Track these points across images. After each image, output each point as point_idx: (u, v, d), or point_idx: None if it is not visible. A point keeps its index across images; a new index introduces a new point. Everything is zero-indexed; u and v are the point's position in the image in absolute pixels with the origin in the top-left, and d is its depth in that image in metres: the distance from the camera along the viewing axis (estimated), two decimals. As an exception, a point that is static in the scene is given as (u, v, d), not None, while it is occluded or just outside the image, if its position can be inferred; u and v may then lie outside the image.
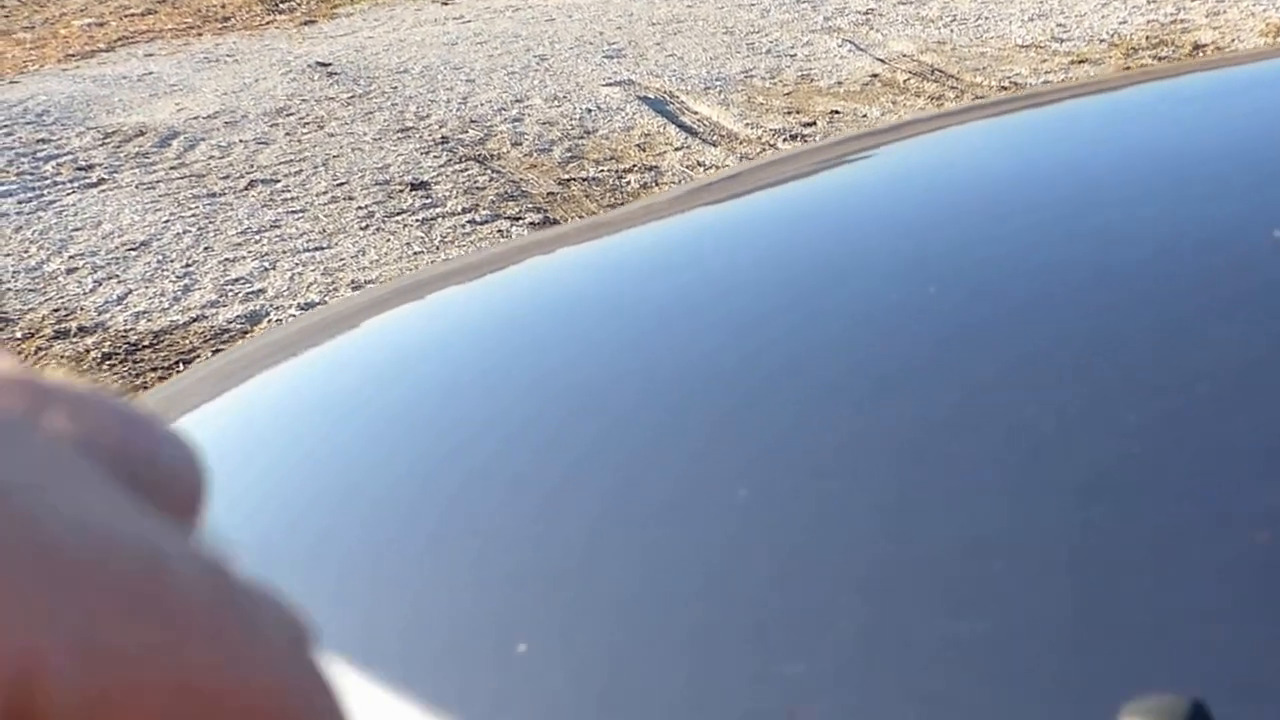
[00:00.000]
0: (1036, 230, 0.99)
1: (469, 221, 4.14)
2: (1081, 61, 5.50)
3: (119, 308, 3.64)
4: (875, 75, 5.61)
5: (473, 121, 5.21)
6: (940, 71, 5.60)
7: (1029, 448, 0.70)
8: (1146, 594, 0.56)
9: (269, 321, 3.52)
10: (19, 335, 3.50)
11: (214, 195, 4.48)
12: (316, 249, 3.98)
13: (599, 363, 0.91)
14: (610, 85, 5.64)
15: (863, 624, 0.58)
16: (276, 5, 7.37)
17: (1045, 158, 1.22)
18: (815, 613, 0.60)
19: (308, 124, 5.26)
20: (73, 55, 6.62)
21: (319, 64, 6.19)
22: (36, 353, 3.41)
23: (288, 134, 5.14)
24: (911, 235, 1.04)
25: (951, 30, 6.10)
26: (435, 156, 4.78)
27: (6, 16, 7.30)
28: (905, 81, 5.49)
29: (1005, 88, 5.23)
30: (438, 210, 4.25)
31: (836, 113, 5.11)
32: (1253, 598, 0.54)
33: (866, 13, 6.38)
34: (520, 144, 4.91)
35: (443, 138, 5.00)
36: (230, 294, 3.69)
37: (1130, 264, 0.90)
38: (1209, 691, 0.47)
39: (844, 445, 0.74)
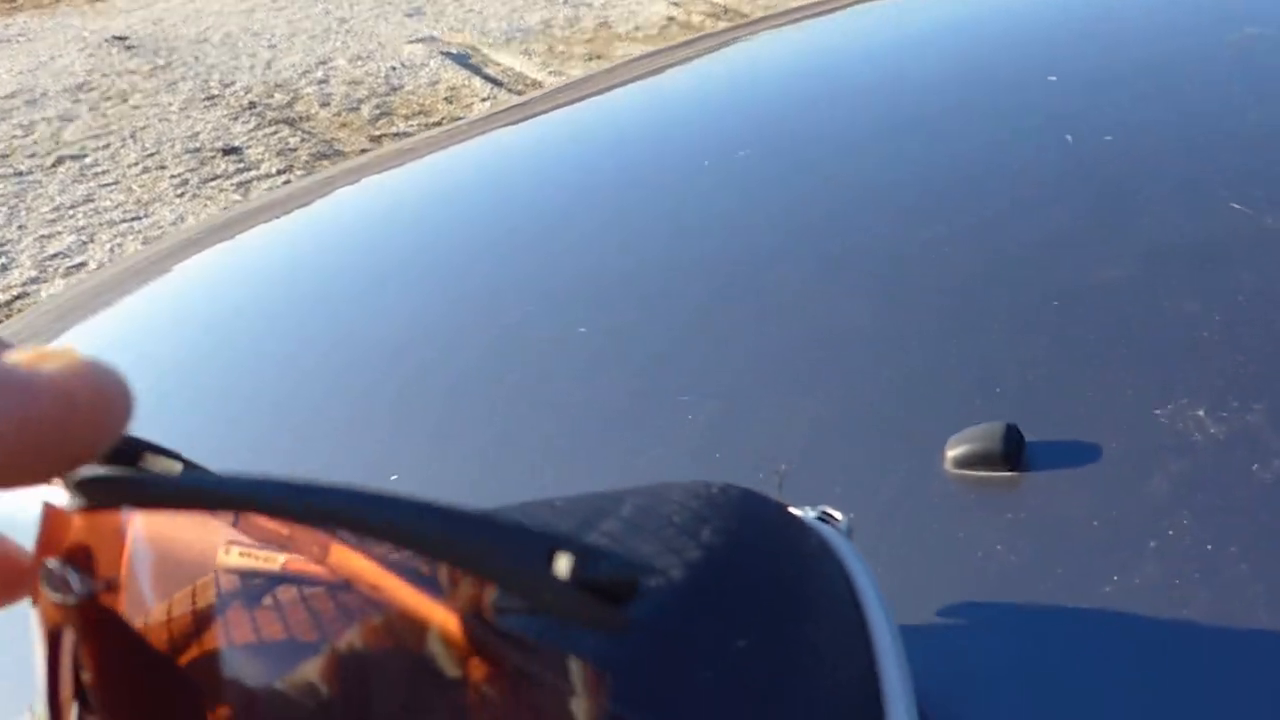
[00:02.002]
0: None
1: (285, 182, 4.20)
2: (864, -6, 5.76)
3: (-62, 289, 3.63)
4: (671, 18, 5.79)
5: (278, 85, 5.24)
6: (734, 11, 5.80)
7: (876, 235, 0.81)
8: (971, 350, 0.68)
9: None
10: None
11: (21, 174, 4.46)
12: (134, 219, 4.00)
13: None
14: (413, 42, 5.71)
15: (718, 404, 0.68)
16: (64, -18, 7.23)
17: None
18: (673, 409, 0.68)
19: (111, 98, 5.23)
20: None
21: (116, 38, 6.12)
22: None
23: (91, 109, 5.10)
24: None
25: (741, -29, 6.31)
26: (244, 122, 4.81)
27: None
28: (701, 23, 5.68)
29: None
30: (252, 173, 4.30)
31: (636, 56, 5.27)
32: (1058, 350, 0.66)
33: (658, -42, 6.55)
34: (328, 104, 4.97)
35: (250, 103, 5.03)
36: (51, 269, 3.71)
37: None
38: (1019, 418, 0.58)
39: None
